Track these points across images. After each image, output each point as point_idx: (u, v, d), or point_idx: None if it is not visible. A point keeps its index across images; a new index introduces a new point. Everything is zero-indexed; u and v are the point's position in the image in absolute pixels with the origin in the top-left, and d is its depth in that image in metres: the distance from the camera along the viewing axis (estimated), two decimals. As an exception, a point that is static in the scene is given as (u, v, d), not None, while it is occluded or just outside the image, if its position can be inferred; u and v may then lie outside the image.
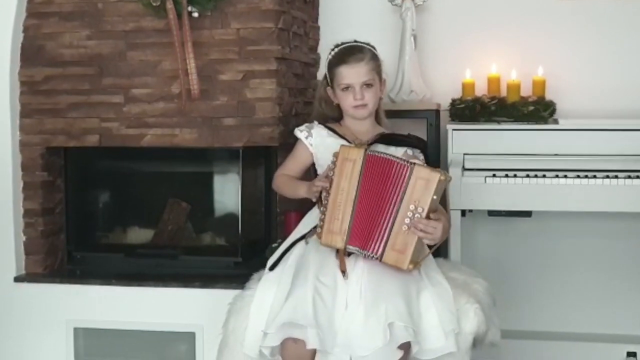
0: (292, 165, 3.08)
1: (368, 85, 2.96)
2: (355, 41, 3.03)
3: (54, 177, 3.71)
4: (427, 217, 2.67)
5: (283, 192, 3.11)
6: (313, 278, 2.68)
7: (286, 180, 3.06)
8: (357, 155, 2.71)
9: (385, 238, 2.68)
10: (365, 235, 2.70)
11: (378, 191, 2.70)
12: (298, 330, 2.60)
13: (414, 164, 2.67)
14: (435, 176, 2.64)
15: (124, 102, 3.54)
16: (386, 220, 2.69)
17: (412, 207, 2.65)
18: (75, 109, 3.58)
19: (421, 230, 2.66)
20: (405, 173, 2.66)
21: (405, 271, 2.70)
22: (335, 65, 2.98)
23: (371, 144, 2.91)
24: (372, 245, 2.70)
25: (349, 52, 2.98)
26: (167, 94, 3.51)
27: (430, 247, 2.74)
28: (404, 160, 2.70)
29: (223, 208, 3.71)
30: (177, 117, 3.50)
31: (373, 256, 2.70)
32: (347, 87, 2.97)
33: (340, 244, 2.72)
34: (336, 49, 3.02)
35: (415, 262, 2.70)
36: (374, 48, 3.03)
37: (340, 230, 2.71)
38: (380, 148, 2.88)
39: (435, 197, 2.65)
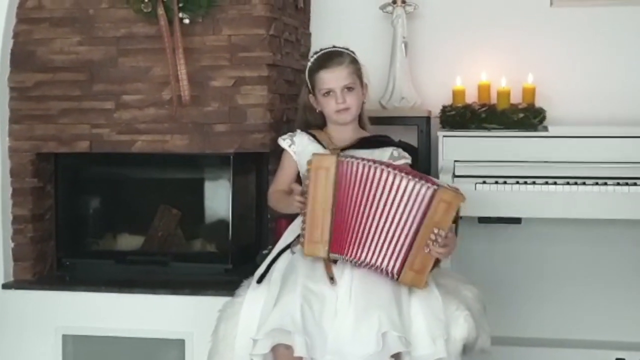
0: (282, 177, 3.06)
1: (349, 88, 2.96)
2: (334, 46, 3.03)
3: (44, 183, 3.70)
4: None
5: (278, 210, 3.08)
6: (301, 285, 2.68)
7: (279, 198, 3.02)
8: (330, 162, 2.70)
9: (402, 257, 2.68)
10: (352, 243, 2.70)
11: (360, 196, 2.69)
12: (286, 336, 2.59)
13: (439, 185, 2.66)
14: (459, 199, 2.65)
15: (115, 108, 3.54)
16: (396, 236, 2.68)
17: (435, 230, 2.66)
18: (66, 114, 3.57)
19: (441, 252, 2.69)
20: (426, 192, 2.65)
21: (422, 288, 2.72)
22: (315, 71, 2.98)
23: (345, 149, 2.90)
24: (374, 257, 2.69)
25: (327, 57, 2.98)
26: (158, 100, 3.51)
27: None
28: (409, 175, 2.68)
29: (214, 214, 3.71)
30: (168, 123, 3.50)
31: (385, 273, 2.70)
32: (328, 92, 2.96)
33: (322, 253, 2.71)
34: (315, 56, 3.02)
35: (428, 280, 2.73)
36: (353, 52, 3.03)
37: (322, 239, 2.70)
38: (362, 153, 2.86)
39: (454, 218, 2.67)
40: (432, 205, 2.65)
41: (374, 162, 2.72)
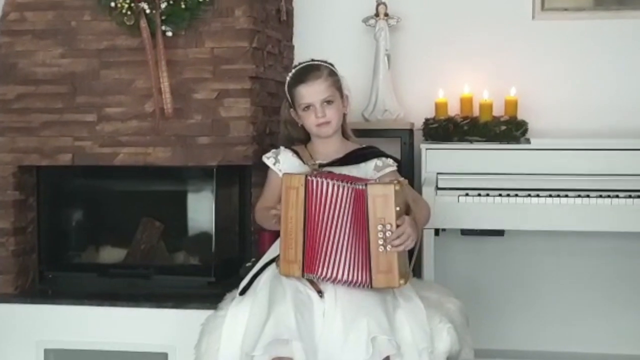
0: (269, 194, 3.04)
1: (329, 102, 2.95)
2: (312, 60, 3.03)
3: (26, 196, 3.68)
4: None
5: (265, 227, 3.09)
6: (291, 295, 2.68)
7: (263, 215, 3.01)
8: (299, 182, 2.70)
9: (367, 265, 2.66)
10: (323, 262, 2.69)
11: (326, 216, 2.69)
12: (285, 347, 2.58)
13: (366, 184, 2.66)
14: (390, 189, 2.63)
15: (97, 120, 3.53)
16: (356, 247, 2.67)
17: (379, 227, 2.64)
18: (48, 127, 3.56)
19: (397, 245, 2.65)
20: (360, 195, 2.65)
21: (399, 288, 2.70)
22: (293, 86, 2.98)
23: (326, 165, 2.91)
24: (345, 273, 2.68)
25: (305, 72, 2.97)
26: (140, 113, 3.50)
27: (412, 253, 2.74)
28: (352, 183, 2.68)
29: (197, 227, 3.70)
30: (151, 136, 3.49)
31: (360, 285, 2.69)
32: (308, 107, 2.96)
33: (297, 273, 2.70)
34: (293, 70, 3.02)
35: (405, 275, 2.70)
36: (332, 65, 3.02)
37: (296, 259, 2.70)
38: (345, 170, 2.87)
39: (398, 208, 2.64)
40: (369, 204, 2.64)
41: (340, 179, 2.71)
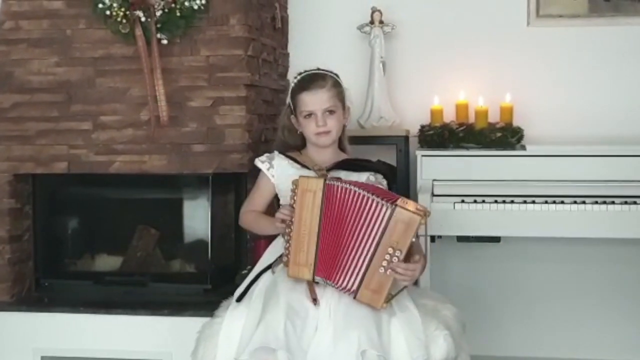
0: (257, 198, 3.06)
1: (330, 112, 2.96)
2: (318, 69, 3.04)
3: (22, 204, 3.68)
4: (406, 258, 2.66)
5: (251, 230, 3.09)
6: (284, 303, 2.68)
7: (253, 219, 3.03)
8: (317, 186, 2.70)
9: (360, 276, 2.67)
10: (333, 266, 2.70)
11: (343, 221, 2.69)
12: (270, 355, 2.58)
13: (396, 203, 2.64)
14: (415, 219, 2.61)
15: (93, 128, 3.53)
16: (358, 256, 2.68)
17: (390, 250, 2.64)
18: (44, 135, 3.56)
19: (398, 275, 2.66)
20: (385, 212, 2.64)
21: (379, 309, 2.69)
22: (297, 93, 2.99)
23: (330, 169, 2.92)
24: (342, 278, 2.69)
25: (310, 79, 2.98)
26: (136, 121, 3.50)
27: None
28: (381, 197, 2.67)
29: (192, 234, 3.70)
30: (146, 144, 3.49)
31: (347, 291, 2.69)
32: (309, 114, 2.97)
33: (307, 276, 2.71)
34: (298, 77, 3.03)
35: (389, 299, 2.70)
36: (337, 76, 3.03)
37: (307, 262, 2.70)
38: (342, 175, 2.88)
39: (414, 239, 2.64)
40: (390, 224, 2.64)
41: (356, 185, 2.71)
